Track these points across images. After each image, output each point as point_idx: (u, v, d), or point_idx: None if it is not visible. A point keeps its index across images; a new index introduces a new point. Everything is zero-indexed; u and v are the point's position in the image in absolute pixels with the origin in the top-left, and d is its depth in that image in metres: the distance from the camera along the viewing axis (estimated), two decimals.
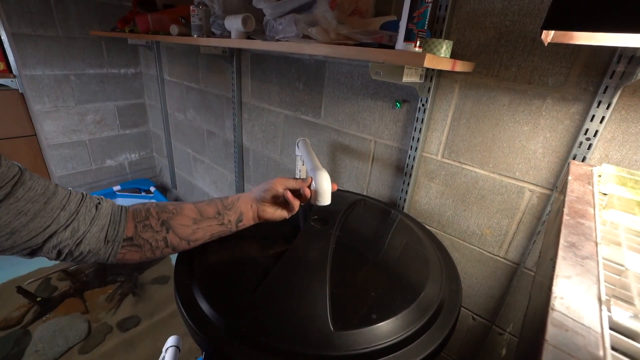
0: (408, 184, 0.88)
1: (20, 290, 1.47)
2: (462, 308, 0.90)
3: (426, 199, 0.89)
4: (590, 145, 0.61)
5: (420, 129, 0.82)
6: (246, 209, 0.56)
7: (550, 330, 0.20)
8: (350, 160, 1.04)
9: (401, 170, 0.91)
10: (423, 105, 0.80)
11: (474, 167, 0.78)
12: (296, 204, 0.57)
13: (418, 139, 0.83)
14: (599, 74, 0.58)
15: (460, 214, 0.83)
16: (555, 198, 0.68)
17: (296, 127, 1.18)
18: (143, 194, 2.18)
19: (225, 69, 1.39)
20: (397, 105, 0.87)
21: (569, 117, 0.63)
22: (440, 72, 0.77)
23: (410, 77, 0.70)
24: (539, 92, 0.65)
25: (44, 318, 1.35)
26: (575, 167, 0.52)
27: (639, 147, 0.58)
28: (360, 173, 1.02)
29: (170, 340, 0.71)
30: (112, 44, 1.91)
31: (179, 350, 0.70)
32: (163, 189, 2.41)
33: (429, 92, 0.78)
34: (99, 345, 1.27)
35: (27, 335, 1.28)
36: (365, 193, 1.03)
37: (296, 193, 0.57)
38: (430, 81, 0.76)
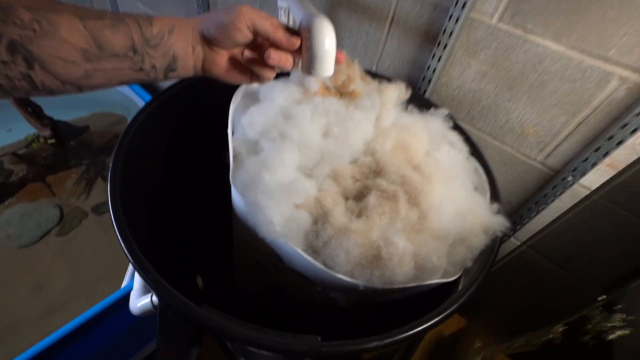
0: (439, 59, 0.64)
1: None
2: None
3: (459, 81, 0.66)
4: None
5: None
6: (184, 52, 0.34)
7: None
8: (359, 21, 0.74)
9: (433, 38, 0.65)
10: None
11: (544, 39, 0.53)
12: (267, 74, 0.36)
13: None
14: None
15: (501, 105, 0.64)
16: None
17: None
18: None
19: None
20: None
21: None
22: None
23: None
24: None
25: (6, 203, 1.23)
26: None
27: None
28: (371, 41, 0.75)
29: None
30: None
31: None
32: None
33: None
34: (76, 229, 1.21)
35: None
36: (374, 69, 0.78)
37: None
38: None
